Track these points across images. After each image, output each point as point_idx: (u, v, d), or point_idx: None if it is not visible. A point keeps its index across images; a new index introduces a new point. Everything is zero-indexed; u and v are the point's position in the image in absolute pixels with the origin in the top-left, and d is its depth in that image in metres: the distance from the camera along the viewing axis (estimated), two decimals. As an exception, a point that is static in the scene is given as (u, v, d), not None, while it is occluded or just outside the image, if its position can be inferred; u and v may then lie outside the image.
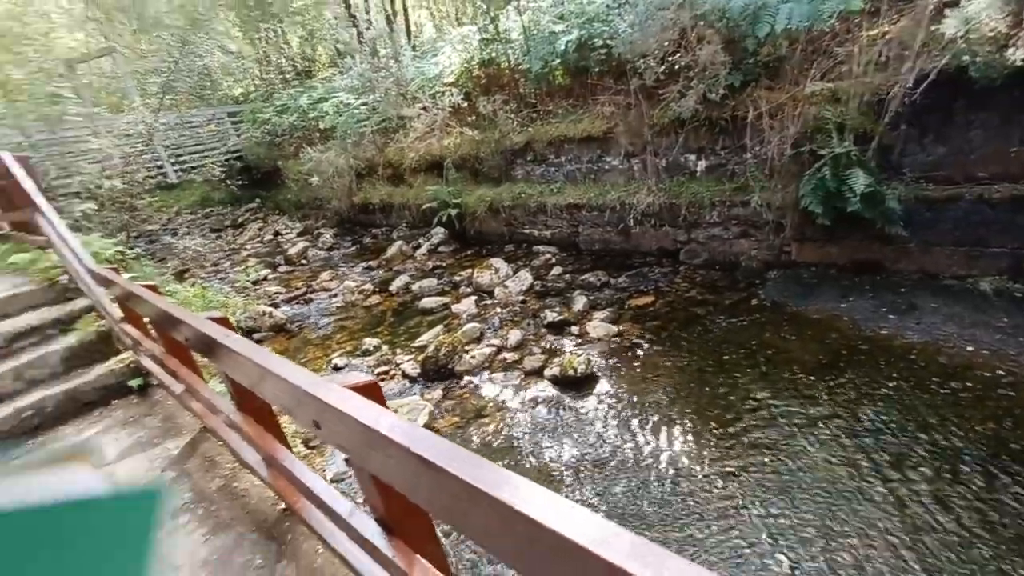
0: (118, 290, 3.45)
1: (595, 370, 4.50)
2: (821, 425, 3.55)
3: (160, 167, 11.83)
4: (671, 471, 3.37)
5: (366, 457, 1.10)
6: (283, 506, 2.38)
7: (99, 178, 7.98)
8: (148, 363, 3.76)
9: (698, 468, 3.36)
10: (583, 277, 6.72)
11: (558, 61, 7.84)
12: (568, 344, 5.18)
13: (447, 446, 0.88)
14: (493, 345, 5.34)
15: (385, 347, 5.83)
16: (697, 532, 2.91)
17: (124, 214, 8.12)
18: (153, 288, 3.19)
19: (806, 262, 5.90)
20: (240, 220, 13.95)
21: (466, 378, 4.89)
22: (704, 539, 2.86)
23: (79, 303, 4.41)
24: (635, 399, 4.15)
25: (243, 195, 14.70)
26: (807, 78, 5.57)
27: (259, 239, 12.34)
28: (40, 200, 4.59)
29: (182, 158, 12.77)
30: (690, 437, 3.65)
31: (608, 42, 7.04)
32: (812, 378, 4.03)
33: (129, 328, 3.70)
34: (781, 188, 5.81)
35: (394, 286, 7.69)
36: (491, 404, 4.44)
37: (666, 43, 6.31)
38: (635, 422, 3.89)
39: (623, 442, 3.70)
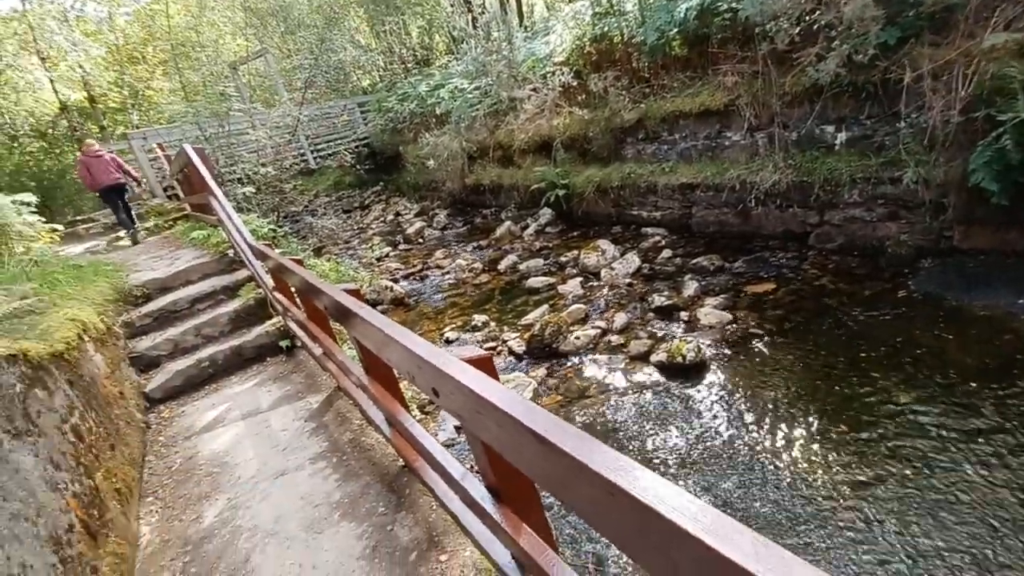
0: (271, 263, 4.00)
1: (705, 358, 4.29)
2: (982, 440, 3.07)
3: (302, 155, 13.29)
4: (789, 473, 3.15)
5: (479, 426, 1.19)
6: (402, 463, 2.64)
7: (256, 166, 9.18)
8: (294, 327, 4.33)
9: (822, 473, 3.09)
10: (695, 261, 6.38)
11: (675, 31, 7.38)
12: (676, 330, 4.99)
13: (557, 421, 0.93)
14: (598, 327, 5.31)
15: (493, 324, 6.07)
16: (818, 541, 2.70)
17: (275, 197, 9.27)
18: (299, 262, 3.64)
19: (973, 249, 5.03)
20: (366, 202, 15.21)
21: (570, 358, 4.94)
22: (826, 549, 2.65)
23: (242, 273, 5.18)
24: (749, 392, 3.91)
25: (369, 179, 16.00)
26: (986, 29, 4.66)
27: (382, 219, 13.40)
28: (213, 185, 5.42)
29: (320, 146, 14.20)
30: (814, 439, 3.37)
31: (734, 5, 6.46)
32: (974, 385, 3.48)
33: (280, 296, 4.28)
34: (944, 162, 4.98)
35: (502, 265, 7.94)
36: (594, 385, 4.45)
37: (802, 1, 5.64)
38: (749, 417, 3.67)
39: (734, 436, 3.52)
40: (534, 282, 6.95)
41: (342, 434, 3.05)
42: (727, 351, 4.47)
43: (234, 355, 4.47)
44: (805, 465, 3.18)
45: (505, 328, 5.88)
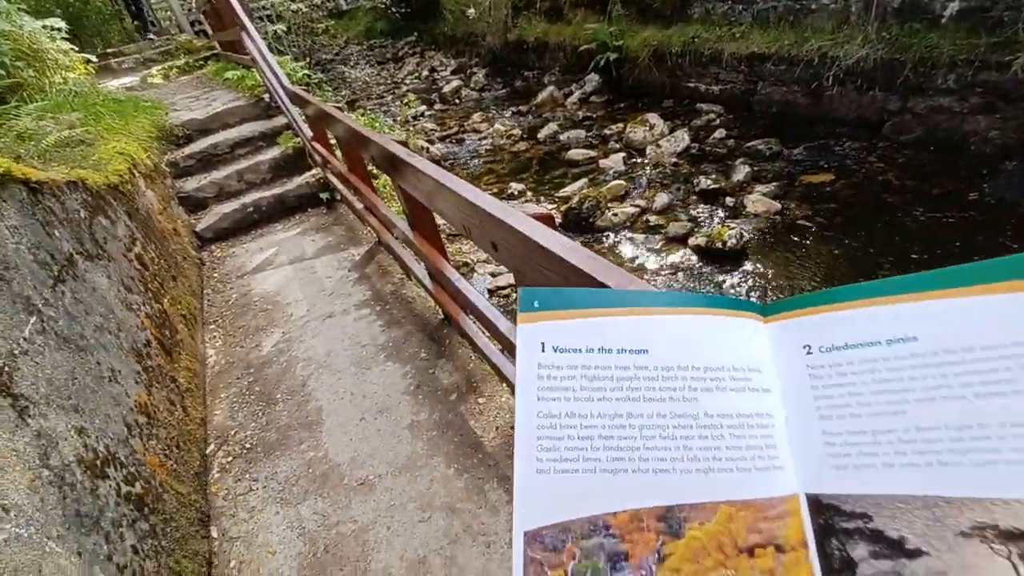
0: (311, 109, 3.85)
1: (746, 246, 4.20)
2: None
3: (333, -8, 12.12)
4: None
5: (541, 280, 1.20)
6: (442, 316, 2.78)
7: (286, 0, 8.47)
8: (333, 180, 4.31)
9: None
10: (750, 144, 5.94)
11: None
12: (720, 215, 4.83)
13: (631, 278, 0.92)
14: (637, 205, 5.17)
15: (529, 193, 5.97)
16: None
17: (307, 39, 8.68)
18: (339, 111, 3.50)
19: (1070, 153, 4.53)
20: (400, 54, 14.19)
21: (606, 234, 4.90)
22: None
23: (279, 120, 5.05)
24: (790, 284, 3.87)
25: (403, 27, 14.72)
26: None
27: (416, 75, 12.59)
28: (245, 19, 5.05)
29: (351, -18, 12.88)
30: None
31: None
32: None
33: (319, 147, 4.20)
34: (1072, 45, 4.27)
35: (542, 134, 7.57)
36: (628, 263, 4.46)
37: None
38: (781, 306, 3.67)
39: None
40: (574, 154, 6.65)
41: (384, 285, 3.19)
42: (771, 240, 4.35)
43: (277, 203, 4.54)
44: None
45: (542, 199, 5.77)
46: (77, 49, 6.00)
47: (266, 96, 5.21)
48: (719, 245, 4.16)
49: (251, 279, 3.65)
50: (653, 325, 0.29)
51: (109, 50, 11.70)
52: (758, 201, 4.76)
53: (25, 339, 1.36)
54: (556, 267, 1.10)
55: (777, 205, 4.70)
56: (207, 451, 2.18)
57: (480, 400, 2.24)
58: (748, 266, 4.11)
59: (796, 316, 0.30)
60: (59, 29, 5.26)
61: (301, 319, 3.03)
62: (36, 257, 1.62)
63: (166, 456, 1.77)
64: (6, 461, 1.06)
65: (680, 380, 0.27)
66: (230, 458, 2.14)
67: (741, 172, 5.29)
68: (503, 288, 4.32)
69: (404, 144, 2.26)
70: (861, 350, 0.27)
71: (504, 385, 2.15)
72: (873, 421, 0.24)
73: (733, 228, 4.20)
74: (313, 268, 3.61)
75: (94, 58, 7.06)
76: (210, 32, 8.97)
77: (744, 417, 0.26)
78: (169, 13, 10.71)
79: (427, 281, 2.58)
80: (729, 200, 4.96)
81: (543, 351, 0.30)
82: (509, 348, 1.74)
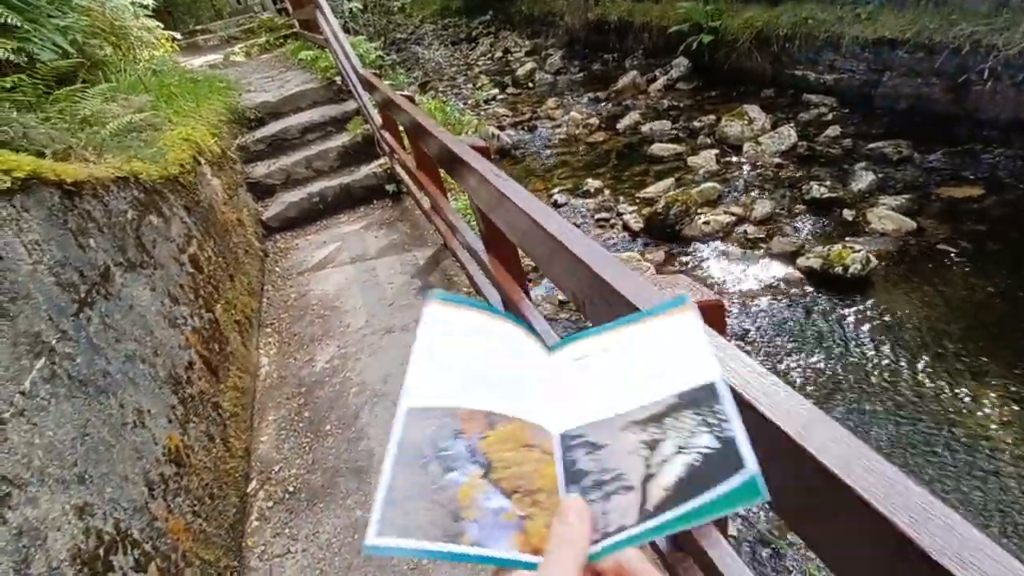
0: (379, 95, 3.55)
1: (872, 273, 3.52)
2: None
3: (410, -32, 11.87)
4: (966, 428, 2.60)
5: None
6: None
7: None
8: (400, 171, 4.02)
9: (1016, 437, 2.51)
10: (872, 145, 5.10)
11: None
12: (836, 231, 4.13)
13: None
14: (733, 213, 4.55)
15: (607, 191, 5.46)
16: (991, 502, 2.25)
17: (382, 18, 8.46)
18: (410, 99, 3.17)
19: None
20: (474, 34, 13.82)
21: (694, 245, 4.34)
22: (1002, 515, 2.21)
23: (350, 105, 4.82)
24: (928, 326, 3.17)
25: (478, 5, 14.31)
26: None
27: (489, 56, 12.18)
28: (320, -4, 4.82)
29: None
30: (1010, 399, 2.71)
31: None
32: None
33: (387, 136, 3.91)
34: None
35: (622, 124, 6.97)
36: (720, 281, 3.90)
37: None
38: (925, 356, 2.99)
39: (899, 376, 2.93)
40: (658, 149, 6.04)
41: (449, 300, 2.85)
42: (903, 268, 3.63)
43: (343, 193, 4.32)
44: (994, 427, 2.59)
45: (621, 198, 5.25)
46: (162, 26, 6.05)
47: (338, 79, 4.99)
48: (838, 270, 3.50)
49: (311, 277, 3.44)
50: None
51: (197, 27, 12.10)
52: (886, 217, 4.01)
53: (23, 393, 1.11)
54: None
55: (911, 223, 3.94)
56: (248, 489, 1.95)
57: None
58: (876, 299, 3.42)
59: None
60: (145, 6, 5.27)
61: (359, 332, 2.76)
62: (59, 278, 1.38)
63: (195, 513, 1.52)
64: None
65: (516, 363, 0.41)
66: (271, 503, 1.89)
67: (863, 180, 4.52)
68: (566, 301, 3.90)
69: (485, 151, 1.87)
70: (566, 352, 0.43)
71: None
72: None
73: (859, 251, 3.52)
74: (374, 270, 3.34)
75: (179, 36, 7.18)
76: (290, 10, 8.95)
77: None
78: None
79: (498, 305, 2.20)
80: (847, 213, 4.24)
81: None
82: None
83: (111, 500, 1.22)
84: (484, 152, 1.84)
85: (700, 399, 0.34)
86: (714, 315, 0.78)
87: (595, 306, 0.99)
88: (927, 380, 2.87)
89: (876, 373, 2.96)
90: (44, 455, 1.09)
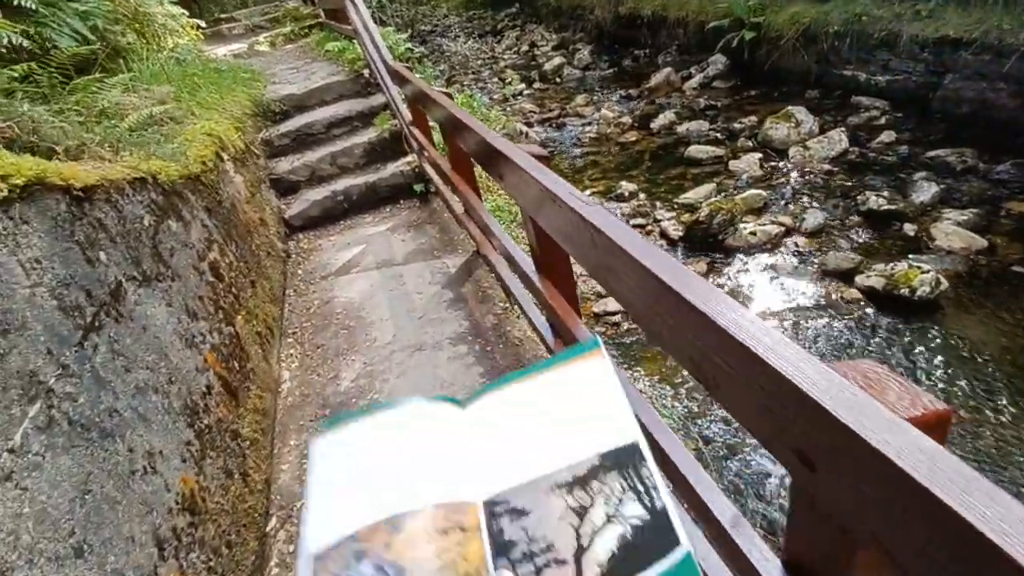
0: (410, 89, 3.34)
1: (943, 297, 3.22)
2: None
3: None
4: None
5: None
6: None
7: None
8: (430, 170, 3.81)
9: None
10: (933, 153, 4.76)
11: None
12: (897, 247, 3.82)
13: None
14: (780, 223, 4.26)
15: (642, 195, 5.19)
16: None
17: (411, 8, 8.25)
18: (447, 95, 2.96)
19: None
20: (499, 27, 13.54)
21: (739, 256, 4.07)
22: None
23: (377, 99, 4.62)
24: (1010, 358, 2.86)
25: (504, -3, 14.04)
26: None
27: (515, 49, 11.91)
28: (349, -15, 4.62)
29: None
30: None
31: None
32: None
33: (417, 132, 3.71)
34: None
35: (655, 123, 6.68)
36: (768, 297, 3.64)
37: None
38: (1005, 392, 2.70)
39: (981, 414, 2.63)
40: (696, 151, 5.74)
41: (484, 315, 2.64)
42: (973, 291, 3.32)
43: (368, 191, 4.13)
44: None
45: (658, 204, 4.98)
46: (187, 14, 5.91)
47: (365, 72, 4.79)
48: (904, 291, 3.21)
49: (335, 282, 3.25)
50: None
51: (222, 15, 12.00)
52: (953, 233, 3.69)
53: (12, 451, 0.92)
54: None
55: (981, 241, 3.62)
56: (267, 528, 1.77)
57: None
58: (945, 326, 3.12)
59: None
60: (170, -8, 5.12)
61: (386, 347, 2.56)
62: (62, 301, 1.19)
63: (210, 570, 1.34)
64: None
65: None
66: (291, 546, 1.70)
67: (925, 191, 4.19)
68: (612, 314, 3.67)
69: (547, 159, 1.64)
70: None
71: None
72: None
73: (927, 271, 3.22)
74: (402, 277, 3.14)
75: (204, 24, 7.04)
76: (316, -1, 8.79)
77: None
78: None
79: (548, 335, 1.98)
80: (909, 228, 3.92)
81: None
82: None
83: (114, 572, 1.03)
84: (545, 161, 1.62)
85: (624, 461, 0.34)
86: (941, 428, 0.55)
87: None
88: (1009, 419, 2.59)
89: (953, 408, 2.68)
90: (35, 528, 0.90)
